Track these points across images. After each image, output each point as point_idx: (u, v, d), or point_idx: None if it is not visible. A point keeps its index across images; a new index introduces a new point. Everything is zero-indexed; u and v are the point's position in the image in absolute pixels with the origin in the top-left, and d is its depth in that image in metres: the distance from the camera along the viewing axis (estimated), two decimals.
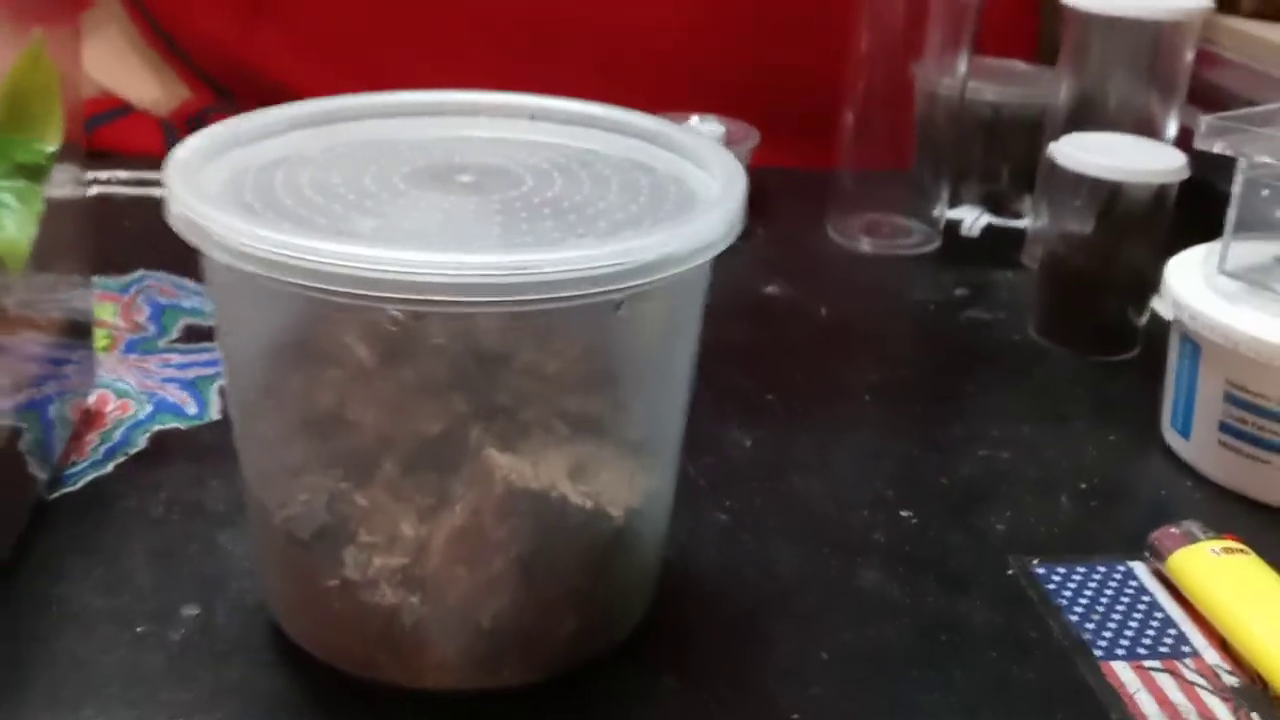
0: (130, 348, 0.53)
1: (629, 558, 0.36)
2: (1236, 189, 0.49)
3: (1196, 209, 0.55)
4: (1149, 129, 0.63)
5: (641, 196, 0.35)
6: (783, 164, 0.76)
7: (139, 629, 0.37)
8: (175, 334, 0.54)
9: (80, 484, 0.44)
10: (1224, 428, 0.46)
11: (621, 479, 0.35)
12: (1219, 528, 0.42)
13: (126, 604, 0.38)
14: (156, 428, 0.47)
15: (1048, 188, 0.62)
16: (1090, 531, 0.44)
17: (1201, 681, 0.37)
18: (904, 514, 0.45)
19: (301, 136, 0.37)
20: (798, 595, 0.40)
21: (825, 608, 0.40)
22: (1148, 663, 0.38)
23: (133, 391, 0.49)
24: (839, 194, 0.71)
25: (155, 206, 0.73)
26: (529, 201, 0.34)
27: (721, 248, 0.32)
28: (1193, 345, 0.47)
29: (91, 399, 0.48)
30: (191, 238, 0.31)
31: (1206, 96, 0.66)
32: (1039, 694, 0.37)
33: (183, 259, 0.61)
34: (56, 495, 0.43)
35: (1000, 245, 0.70)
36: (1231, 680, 0.37)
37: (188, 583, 0.39)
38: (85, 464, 0.45)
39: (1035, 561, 0.42)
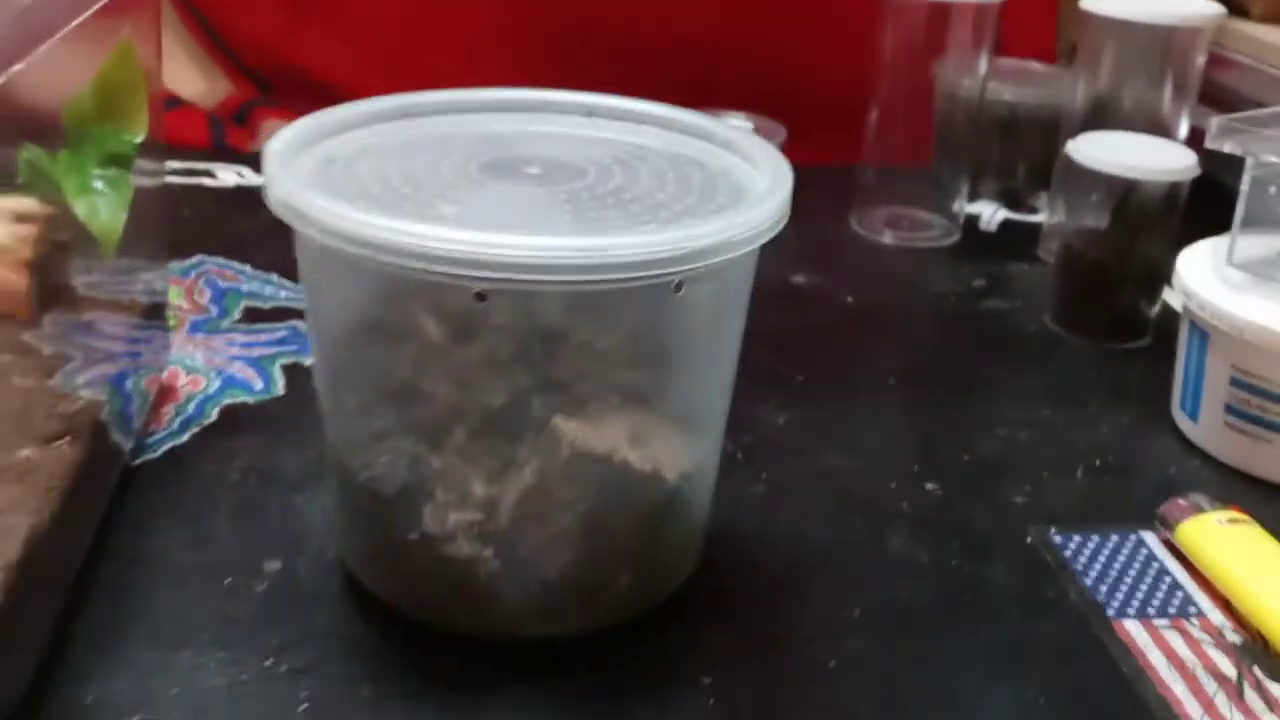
0: (195, 328, 0.56)
1: (679, 519, 0.39)
2: (1245, 186, 0.52)
3: (1206, 205, 0.58)
4: (1162, 129, 0.66)
5: (695, 189, 0.38)
6: (806, 159, 0.79)
7: (226, 581, 0.40)
8: (237, 315, 0.58)
9: (160, 452, 0.47)
10: (1230, 409, 0.49)
11: (674, 447, 0.38)
12: (1224, 501, 0.45)
13: (213, 559, 0.41)
14: (226, 401, 0.50)
15: (1065, 184, 0.65)
16: (1104, 504, 0.47)
17: (1206, 639, 0.40)
18: (929, 486, 0.48)
19: (380, 130, 0.40)
20: (831, 558, 0.44)
21: (857, 570, 0.43)
22: (1157, 621, 0.41)
23: (202, 368, 0.53)
24: (862, 188, 0.74)
25: (209, 195, 0.76)
26: (594, 192, 0.37)
27: (770, 235, 0.35)
28: (1201, 333, 0.50)
29: (165, 375, 0.52)
30: (292, 220, 0.34)
31: (1217, 98, 0.69)
32: (1056, 648, 0.40)
33: (238, 245, 0.64)
34: (140, 462, 0.46)
35: (1016, 239, 0.73)
36: (1234, 638, 0.40)
37: (268, 540, 0.42)
38: (164, 434, 0.48)
39: (1052, 530, 0.45)
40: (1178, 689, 0.38)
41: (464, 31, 0.85)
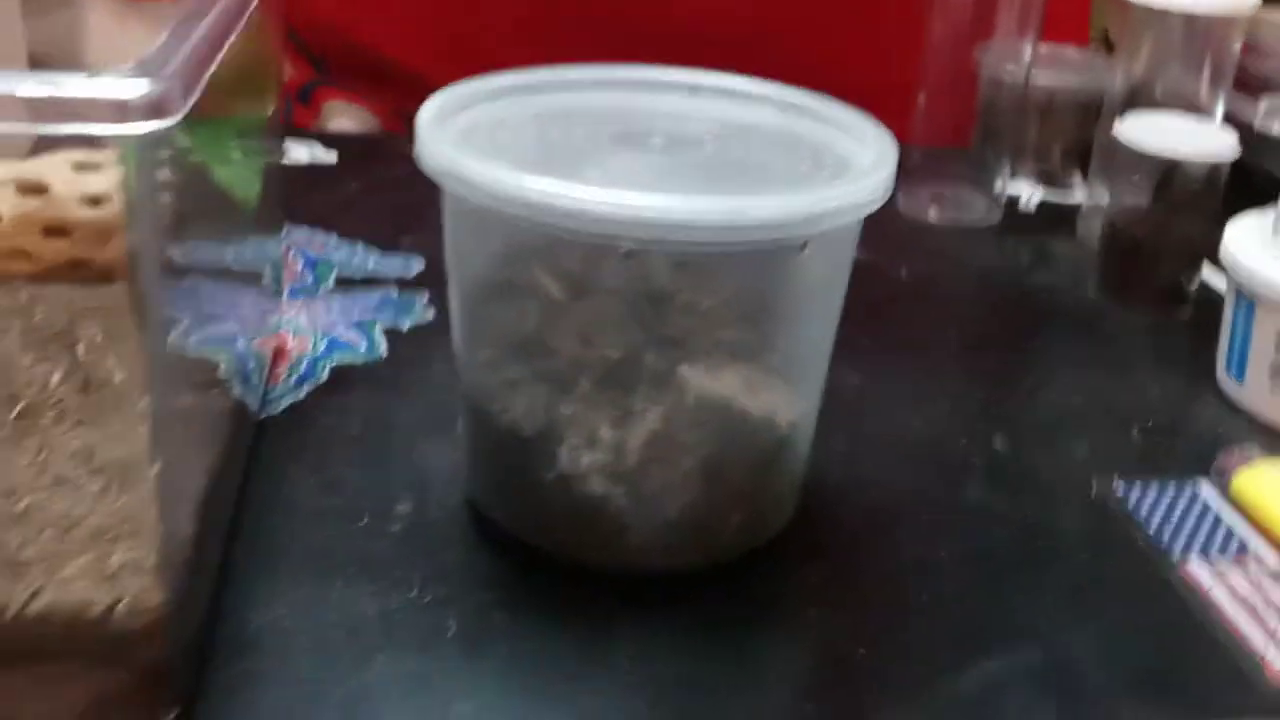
0: (294, 294, 0.59)
1: (786, 466, 0.42)
2: None
3: (1241, 186, 0.62)
4: (1198, 113, 0.69)
5: (804, 159, 0.41)
6: None
7: (362, 522, 0.43)
8: (331, 283, 0.61)
9: (281, 408, 0.50)
10: (1276, 372, 0.53)
11: (784, 397, 0.41)
12: (1274, 455, 0.48)
13: (347, 503, 0.44)
14: (334, 363, 0.54)
15: (1108, 164, 0.68)
16: (1160, 458, 0.51)
17: (1266, 577, 0.43)
18: (996, 443, 0.51)
19: (507, 103, 0.43)
20: (913, 507, 0.47)
21: (937, 518, 0.46)
22: (1218, 562, 0.44)
23: (307, 330, 0.56)
24: (908, 169, 0.78)
25: (285, 169, 0.78)
26: (717, 161, 0.40)
27: (881, 204, 0.38)
28: (1248, 300, 0.54)
29: (277, 337, 0.55)
30: (449, 183, 0.37)
31: (1250, 84, 0.73)
32: (1127, 588, 0.43)
33: (320, 219, 0.67)
34: (265, 417, 0.49)
35: (1054, 219, 0.76)
36: None
37: (396, 484, 0.45)
38: (282, 391, 0.51)
39: (1114, 480, 0.49)
40: (1242, 623, 0.41)
41: (513, 11, 0.88)
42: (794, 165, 0.40)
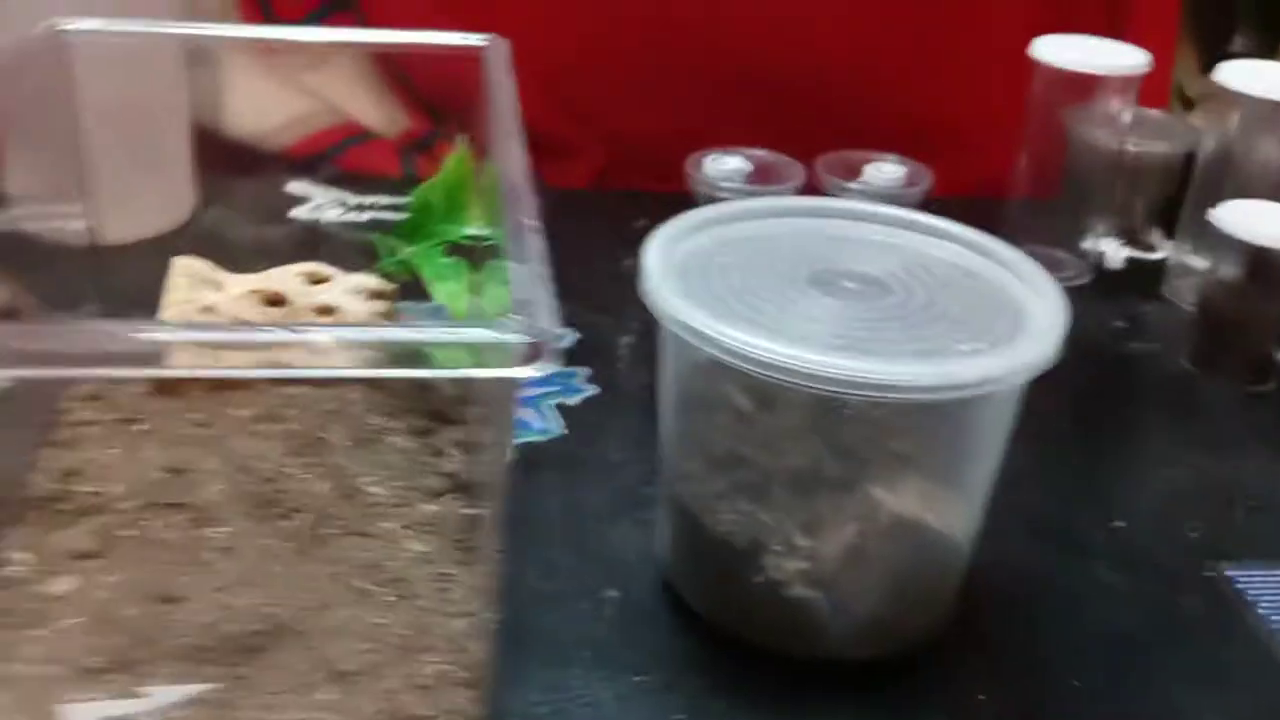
0: None
1: (958, 568, 0.49)
2: None
3: None
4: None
5: (985, 307, 0.46)
6: (942, 192, 0.88)
7: (581, 606, 0.49)
8: None
9: None
10: None
11: (961, 512, 0.47)
12: None
13: (561, 586, 0.50)
14: (518, 440, 0.60)
15: (1202, 239, 0.74)
16: (1265, 539, 0.57)
17: None
18: (1116, 523, 0.57)
19: (722, 232, 0.49)
20: (1051, 589, 0.53)
21: (1074, 599, 0.53)
22: None
23: None
24: (1001, 228, 0.83)
25: None
26: (905, 309, 0.46)
27: (1053, 364, 0.44)
28: None
29: None
30: (678, 330, 0.43)
31: None
32: (1245, 672, 0.49)
33: None
34: None
35: (1141, 278, 0.81)
36: None
37: (600, 568, 0.51)
38: None
39: (1226, 565, 0.55)
40: None
41: (624, 70, 0.93)
42: (975, 312, 0.46)
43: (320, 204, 0.83)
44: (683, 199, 0.86)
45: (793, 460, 0.46)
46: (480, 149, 0.56)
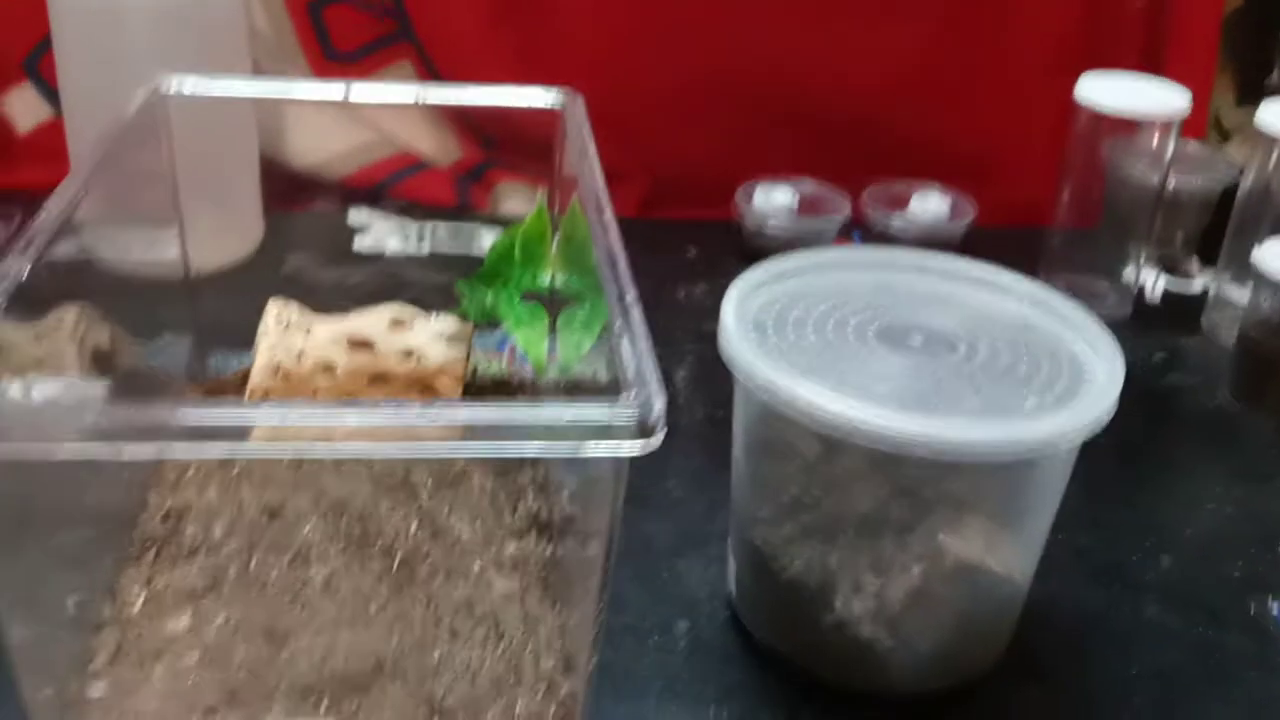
0: None
1: (1014, 606, 0.51)
2: None
3: None
4: None
5: (1043, 364, 0.48)
6: (985, 222, 0.90)
7: (652, 640, 0.52)
8: None
9: None
10: None
11: (1019, 555, 0.49)
12: None
13: (633, 620, 0.53)
14: None
15: (1242, 277, 0.76)
16: None
17: None
18: (1164, 560, 0.59)
19: (796, 284, 0.52)
20: (1102, 625, 0.55)
21: (1124, 635, 0.55)
22: None
23: None
24: (1042, 259, 0.85)
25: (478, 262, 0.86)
26: (969, 367, 0.48)
27: (1107, 421, 0.46)
28: None
29: None
30: (752, 386, 0.45)
31: None
32: None
33: None
34: None
35: (1178, 311, 0.83)
36: None
37: (670, 603, 0.54)
38: None
39: (1270, 600, 0.57)
40: None
41: (670, 99, 0.95)
42: (1036, 369, 0.48)
43: (380, 234, 0.86)
44: (728, 227, 0.88)
45: (860, 505, 0.49)
46: (553, 199, 0.59)
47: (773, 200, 0.86)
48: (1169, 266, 0.88)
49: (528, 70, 0.95)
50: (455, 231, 0.86)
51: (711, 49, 0.95)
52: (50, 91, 0.91)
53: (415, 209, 0.90)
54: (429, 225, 0.88)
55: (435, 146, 0.97)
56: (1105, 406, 0.45)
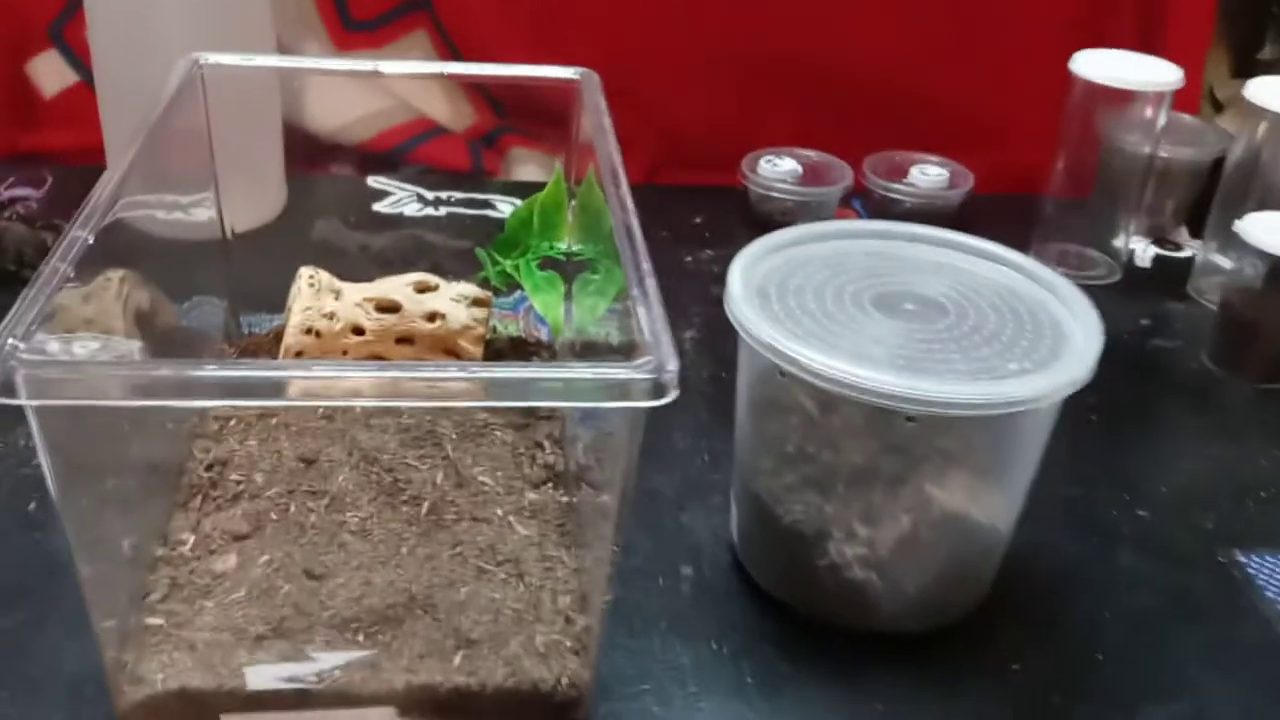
0: None
1: (997, 552, 0.55)
2: None
3: None
4: None
5: (1027, 327, 0.52)
6: (981, 190, 0.93)
7: (660, 582, 0.56)
8: None
9: None
10: None
11: (1003, 505, 0.53)
12: None
13: (642, 564, 0.57)
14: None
15: (1223, 237, 0.79)
16: (1276, 528, 0.63)
17: None
18: (1140, 513, 0.63)
19: (797, 252, 0.55)
20: (1081, 570, 0.59)
21: (1101, 580, 0.59)
22: None
23: None
24: (1037, 226, 0.88)
25: (495, 226, 0.89)
26: (958, 331, 0.51)
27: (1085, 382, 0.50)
28: None
29: None
30: (760, 349, 0.49)
31: None
32: (1254, 650, 0.55)
33: None
34: None
35: (1168, 277, 0.87)
36: None
37: (675, 548, 0.58)
38: None
39: (1237, 551, 0.61)
40: None
41: (678, 67, 0.98)
42: (1020, 333, 0.51)
43: (399, 198, 0.89)
44: (733, 193, 0.92)
45: (854, 458, 0.52)
46: (569, 168, 0.62)
47: (777, 169, 0.89)
48: (1160, 236, 0.92)
49: (540, 36, 0.97)
50: (472, 197, 0.90)
51: (718, 21, 0.97)
52: (75, 57, 0.94)
53: (433, 174, 0.93)
54: (445, 191, 0.91)
55: (450, 112, 1.00)
56: (1083, 368, 0.49)
